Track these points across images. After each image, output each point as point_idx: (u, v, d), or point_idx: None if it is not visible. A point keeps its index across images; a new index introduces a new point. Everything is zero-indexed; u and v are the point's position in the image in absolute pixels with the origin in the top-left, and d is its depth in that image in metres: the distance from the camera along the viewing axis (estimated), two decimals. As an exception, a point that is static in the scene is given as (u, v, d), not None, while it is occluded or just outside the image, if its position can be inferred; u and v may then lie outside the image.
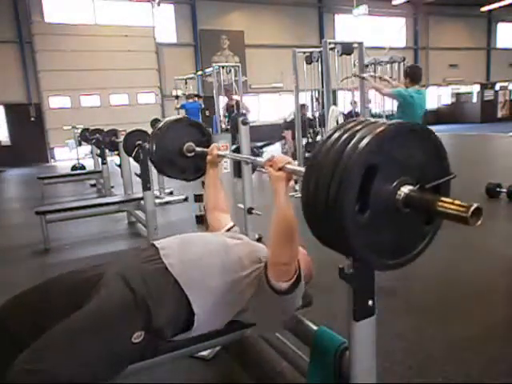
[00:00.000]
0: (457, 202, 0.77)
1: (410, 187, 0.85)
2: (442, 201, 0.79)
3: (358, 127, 0.85)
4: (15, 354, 1.06)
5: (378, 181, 0.82)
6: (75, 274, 1.37)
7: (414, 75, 3.99)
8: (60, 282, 1.34)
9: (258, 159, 1.50)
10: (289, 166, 1.21)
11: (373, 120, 0.88)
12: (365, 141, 0.80)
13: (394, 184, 0.84)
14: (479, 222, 0.74)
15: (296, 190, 5.32)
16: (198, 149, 2.00)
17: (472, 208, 0.73)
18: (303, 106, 6.59)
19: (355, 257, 0.90)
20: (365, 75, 4.91)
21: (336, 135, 0.86)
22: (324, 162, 0.84)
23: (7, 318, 1.24)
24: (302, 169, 0.96)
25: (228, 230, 1.71)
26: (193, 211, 4.36)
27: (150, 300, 1.21)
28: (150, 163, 3.49)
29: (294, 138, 6.62)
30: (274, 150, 8.54)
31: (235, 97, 8.33)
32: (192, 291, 1.28)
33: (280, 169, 1.21)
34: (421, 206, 0.84)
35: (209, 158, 1.82)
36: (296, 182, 5.27)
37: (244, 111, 7.82)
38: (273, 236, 1.24)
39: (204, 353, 1.89)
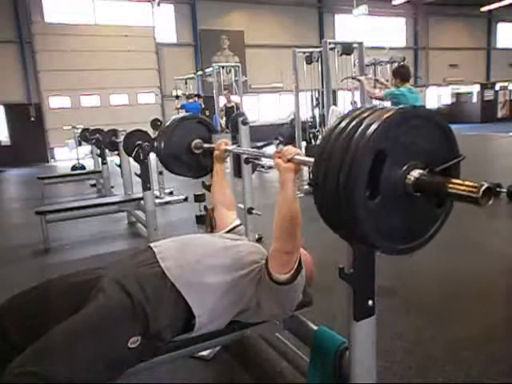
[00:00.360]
0: (467, 182, 0.77)
1: (420, 171, 0.85)
2: (452, 182, 0.79)
3: (365, 114, 0.85)
4: (13, 354, 1.06)
5: (388, 166, 0.83)
6: (74, 276, 1.37)
7: (402, 75, 4.05)
8: (59, 284, 1.34)
9: (267, 152, 1.51)
10: (298, 157, 1.21)
11: (379, 107, 0.88)
12: (373, 127, 0.80)
13: (404, 169, 0.84)
14: (490, 202, 0.74)
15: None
16: (206, 145, 2.00)
17: (483, 188, 0.73)
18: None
19: (367, 243, 0.89)
20: (360, 78, 4.93)
21: (344, 123, 0.86)
22: (333, 150, 0.84)
23: (5, 318, 1.24)
24: (311, 159, 0.96)
25: (232, 228, 1.71)
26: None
27: (147, 305, 1.21)
28: (149, 163, 3.52)
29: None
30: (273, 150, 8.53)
31: (234, 98, 8.32)
32: (190, 294, 1.28)
33: (289, 160, 1.22)
34: (431, 188, 0.83)
35: (216, 153, 1.83)
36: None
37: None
38: (277, 226, 1.25)
39: (204, 353, 1.88)
